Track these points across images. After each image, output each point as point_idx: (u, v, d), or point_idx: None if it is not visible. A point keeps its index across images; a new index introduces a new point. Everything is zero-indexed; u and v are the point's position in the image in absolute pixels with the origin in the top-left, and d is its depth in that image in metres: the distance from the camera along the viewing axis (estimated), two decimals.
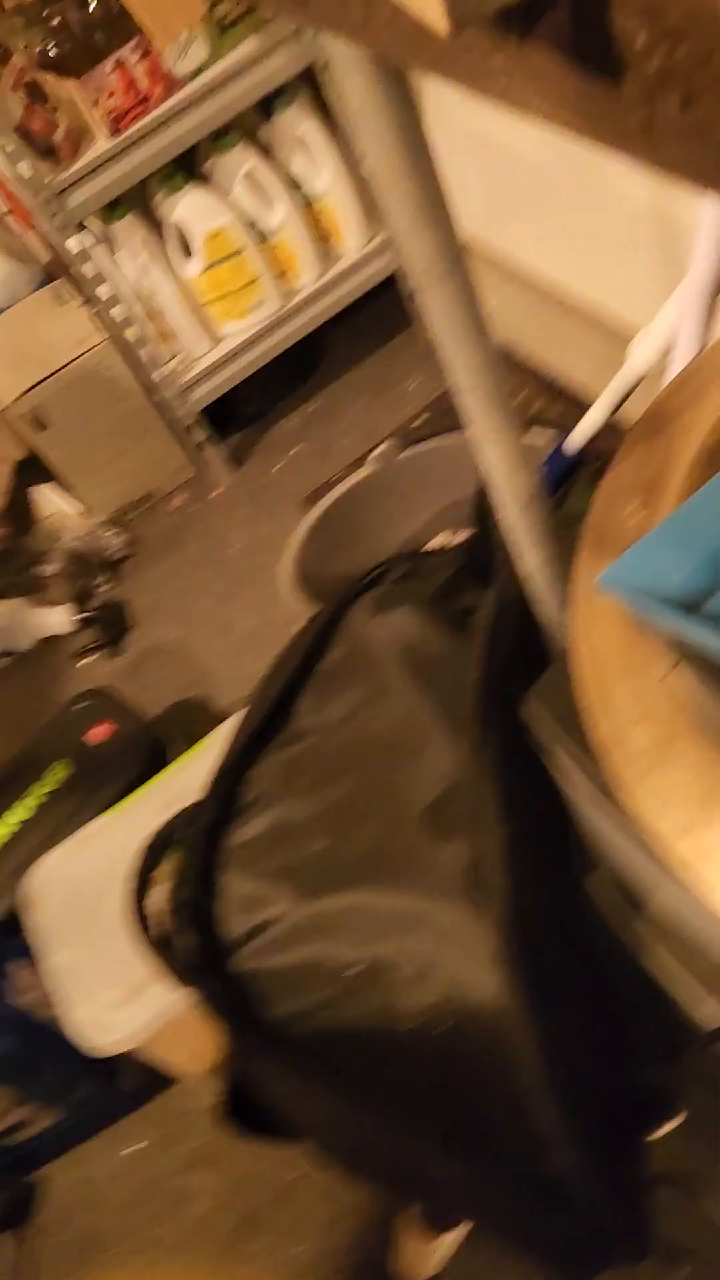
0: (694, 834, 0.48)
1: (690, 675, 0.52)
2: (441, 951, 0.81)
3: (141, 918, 0.96)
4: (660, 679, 0.52)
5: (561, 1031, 0.72)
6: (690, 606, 0.49)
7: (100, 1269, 1.18)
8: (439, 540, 1.37)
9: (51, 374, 1.69)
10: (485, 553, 1.12)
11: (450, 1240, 1.05)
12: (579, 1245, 0.71)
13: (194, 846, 0.95)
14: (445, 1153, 0.71)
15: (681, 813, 0.48)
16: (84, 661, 1.77)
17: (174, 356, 1.79)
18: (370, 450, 1.41)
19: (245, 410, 2.00)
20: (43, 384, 1.69)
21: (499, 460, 0.56)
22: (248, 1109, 0.93)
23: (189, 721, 1.58)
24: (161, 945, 0.93)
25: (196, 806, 0.98)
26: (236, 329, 1.76)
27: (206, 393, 1.79)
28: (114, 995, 1.00)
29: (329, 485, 1.46)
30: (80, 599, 1.82)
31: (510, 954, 0.72)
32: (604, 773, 0.53)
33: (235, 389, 1.83)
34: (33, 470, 2.05)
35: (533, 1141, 0.72)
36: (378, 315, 2.02)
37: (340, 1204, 1.12)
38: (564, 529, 0.71)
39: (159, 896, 0.97)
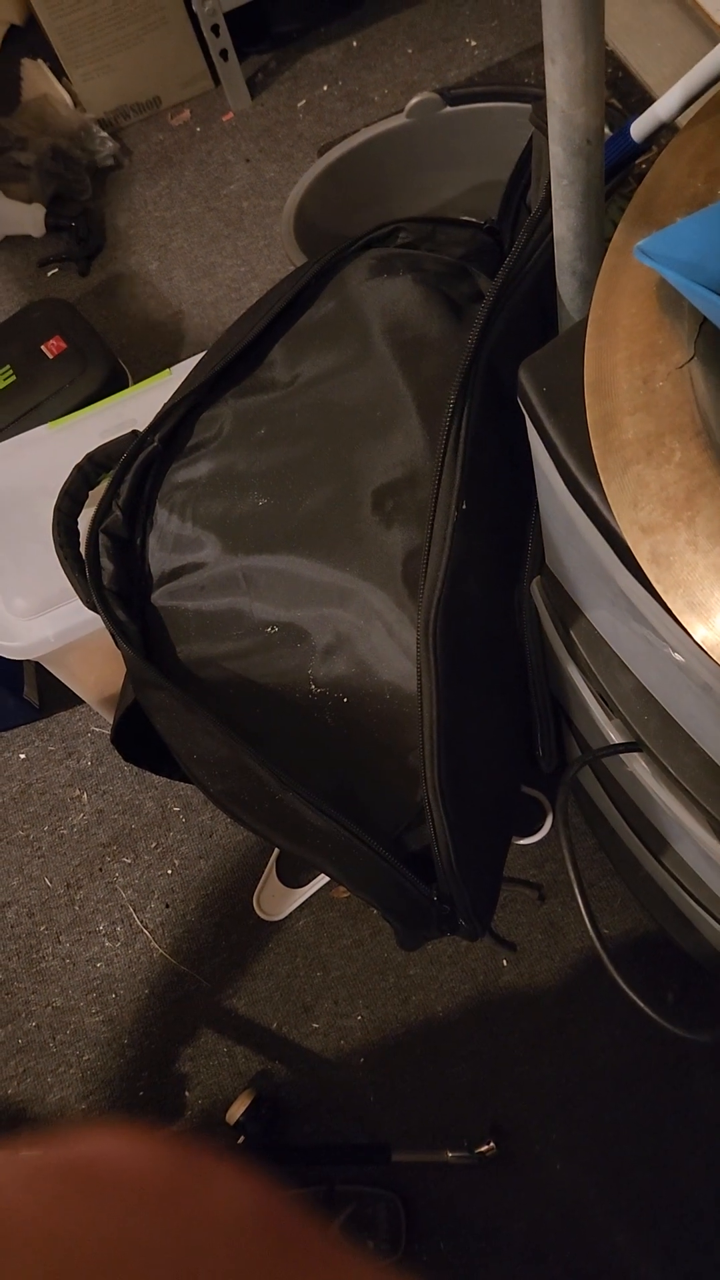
0: (660, 534, 0.45)
1: (701, 375, 0.47)
2: (361, 629, 0.80)
3: (68, 535, 0.93)
4: (669, 372, 0.48)
5: (460, 724, 0.72)
6: None
7: None
8: None
9: None
10: (508, 239, 1.03)
11: (304, 892, 1.13)
12: (425, 910, 0.75)
13: (130, 473, 0.91)
14: (324, 809, 0.74)
15: (655, 512, 0.45)
16: (50, 272, 1.64)
17: None
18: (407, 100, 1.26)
19: (278, 28, 1.75)
20: None
21: (570, 73, 0.48)
22: (139, 740, 0.95)
23: (151, 359, 1.50)
24: (82, 565, 0.90)
25: (144, 433, 0.92)
26: None
27: None
28: (26, 604, 0.98)
29: (353, 135, 1.31)
30: (57, 202, 1.66)
31: (428, 645, 0.71)
32: (582, 461, 0.50)
33: (271, 0, 1.59)
34: (27, 40, 1.81)
35: (410, 811, 0.75)
36: None
37: (210, 842, 1.19)
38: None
39: (89, 517, 0.93)
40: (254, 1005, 1.11)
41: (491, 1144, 0.98)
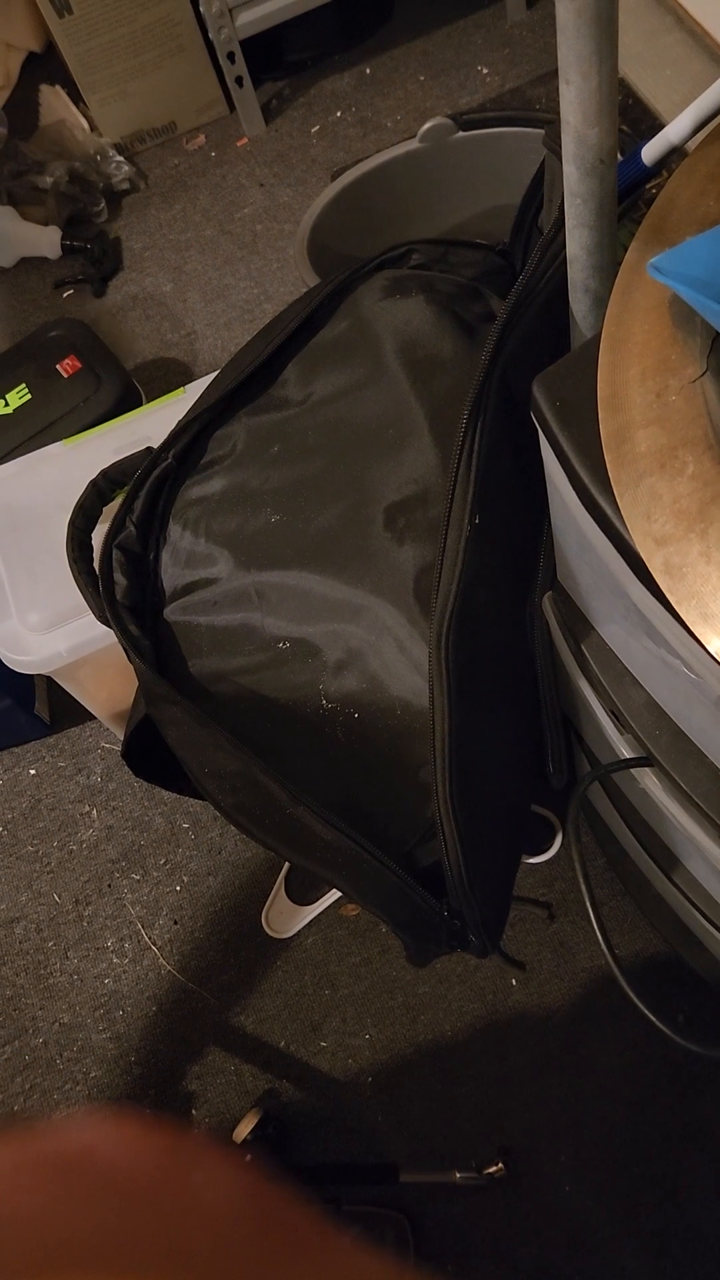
0: (673, 546, 0.45)
1: (713, 389, 0.48)
2: (372, 645, 0.80)
3: (82, 550, 0.94)
4: (682, 387, 0.48)
5: (471, 737, 0.73)
6: None
7: None
8: None
9: None
10: (519, 262, 1.04)
11: (312, 910, 1.13)
12: (435, 925, 0.75)
13: (144, 489, 0.92)
14: (334, 822, 0.74)
15: (668, 524, 0.46)
16: (66, 293, 1.65)
17: None
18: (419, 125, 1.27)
19: (292, 56, 1.78)
20: None
21: (584, 93, 0.49)
22: (149, 756, 0.95)
23: (165, 379, 1.51)
24: (95, 580, 0.91)
25: (158, 450, 0.93)
26: None
27: (255, 19, 1.58)
28: (40, 618, 0.99)
29: (366, 159, 1.32)
30: (72, 224, 1.68)
31: (440, 658, 0.71)
32: (595, 473, 0.50)
33: (286, 28, 1.62)
34: (45, 67, 1.84)
35: (421, 826, 0.75)
36: None
37: (219, 859, 1.19)
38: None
39: (103, 532, 0.94)
40: (262, 1023, 1.10)
41: (500, 1165, 0.98)
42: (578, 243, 0.58)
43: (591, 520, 0.50)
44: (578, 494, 0.51)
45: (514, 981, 1.07)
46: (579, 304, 0.64)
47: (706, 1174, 0.97)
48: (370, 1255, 0.24)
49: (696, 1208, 0.96)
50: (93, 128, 1.73)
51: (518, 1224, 0.97)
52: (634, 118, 1.54)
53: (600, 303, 0.63)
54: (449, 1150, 1.01)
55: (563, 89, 0.50)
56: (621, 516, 0.47)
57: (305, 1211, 0.23)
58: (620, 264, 0.56)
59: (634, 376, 0.49)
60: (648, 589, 0.47)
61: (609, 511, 0.48)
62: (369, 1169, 1.01)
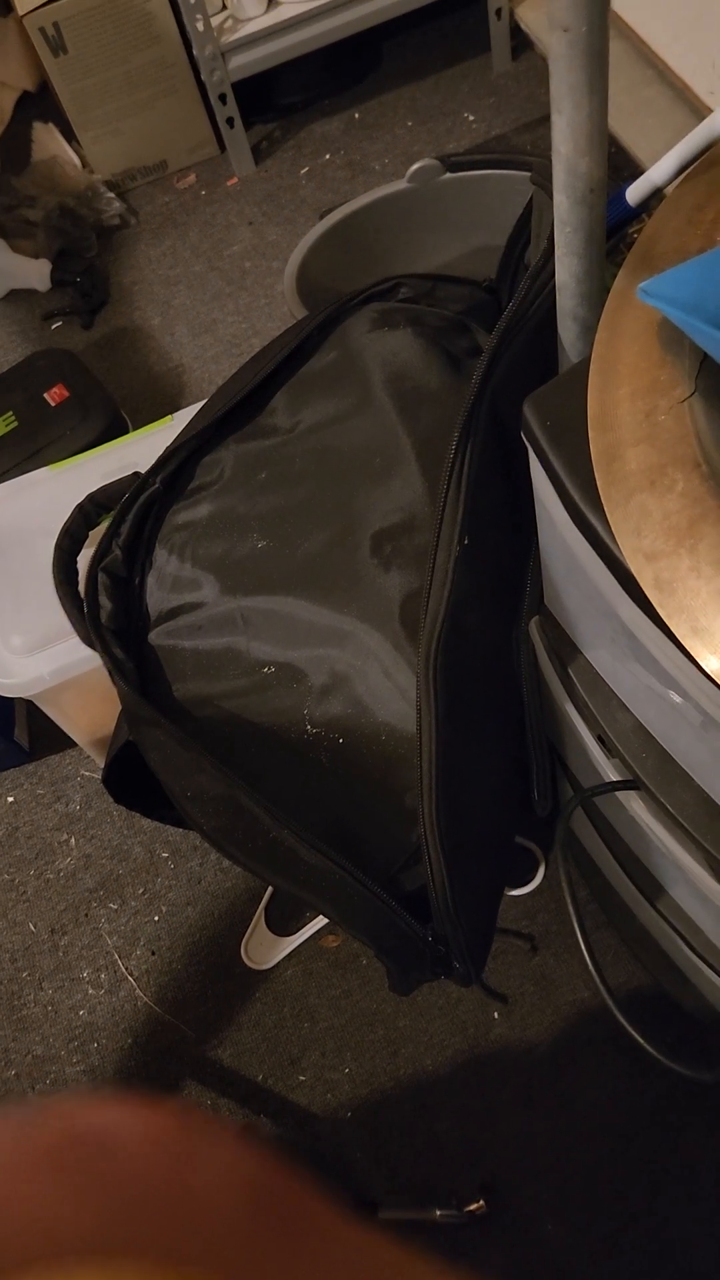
0: (663, 561, 0.46)
1: (701, 409, 0.49)
2: (358, 670, 0.80)
3: (67, 573, 0.94)
4: (671, 407, 0.49)
5: (458, 760, 0.73)
6: None
7: None
8: None
9: None
10: (506, 297, 1.06)
11: (292, 941, 1.12)
12: (420, 951, 0.75)
13: (131, 514, 0.92)
14: (318, 846, 0.73)
15: (657, 539, 0.46)
16: (55, 325, 1.67)
17: (223, 9, 1.59)
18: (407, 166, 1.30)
19: (282, 100, 1.82)
20: None
21: (575, 123, 0.50)
22: (130, 783, 0.95)
23: (151, 410, 1.52)
24: (80, 604, 0.91)
25: (145, 475, 0.94)
26: None
27: (247, 63, 1.61)
28: (23, 642, 0.98)
29: (356, 198, 1.35)
30: (62, 258, 1.69)
31: (428, 678, 0.71)
32: (586, 491, 0.51)
33: (278, 72, 1.65)
34: (39, 105, 1.87)
35: (405, 851, 0.74)
36: (453, 31, 1.83)
37: (199, 889, 1.18)
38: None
39: (89, 556, 0.94)
40: (240, 1056, 1.08)
41: (481, 1202, 0.96)
42: (567, 270, 0.60)
43: (582, 538, 0.51)
44: (568, 511, 0.51)
45: (496, 1015, 1.06)
46: (567, 331, 0.65)
47: (691, 1213, 0.96)
48: (383, 1243, 0.24)
49: (681, 1247, 0.94)
50: (85, 164, 1.75)
51: (500, 1263, 0.96)
52: (617, 164, 1.58)
53: (588, 330, 0.64)
54: (429, 1187, 0.99)
55: (555, 119, 0.51)
56: (612, 532, 0.48)
57: (320, 1199, 0.23)
58: (608, 291, 0.57)
59: (624, 396, 0.50)
60: (637, 605, 0.48)
61: (599, 528, 0.49)
62: (348, 1206, 0.99)
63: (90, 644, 0.89)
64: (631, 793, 0.67)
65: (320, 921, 1.12)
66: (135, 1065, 1.10)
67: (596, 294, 0.61)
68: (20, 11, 1.54)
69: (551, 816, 0.91)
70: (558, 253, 0.59)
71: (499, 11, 1.68)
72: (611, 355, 0.52)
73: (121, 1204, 0.21)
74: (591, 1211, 0.97)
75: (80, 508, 0.97)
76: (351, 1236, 0.23)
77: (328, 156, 1.76)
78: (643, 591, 0.46)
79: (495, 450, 0.76)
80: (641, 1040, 0.63)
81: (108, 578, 0.90)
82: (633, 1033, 0.63)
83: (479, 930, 0.82)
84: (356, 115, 1.80)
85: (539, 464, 0.53)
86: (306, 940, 1.12)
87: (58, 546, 0.94)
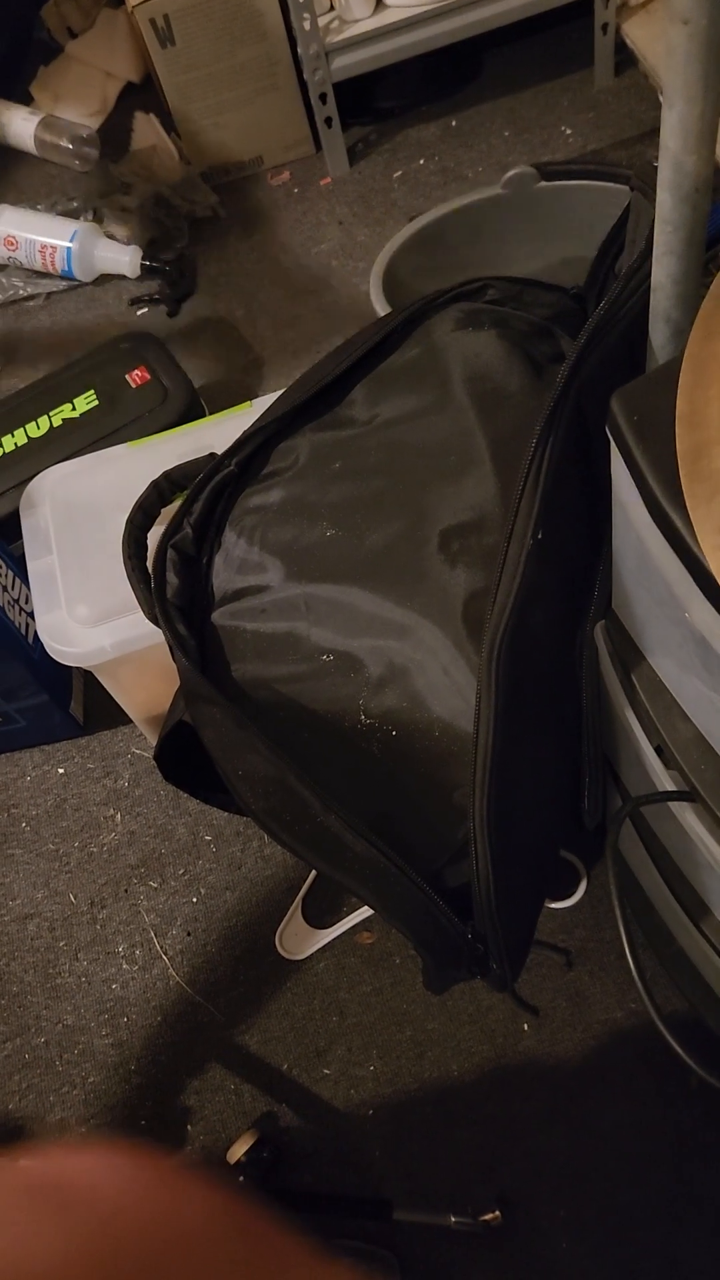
0: None
1: None
2: (416, 664, 0.80)
3: (138, 547, 0.95)
4: None
5: (512, 759, 0.72)
6: None
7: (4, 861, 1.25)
8: None
9: None
10: (593, 306, 1.05)
11: (327, 934, 1.12)
12: (458, 948, 0.74)
13: (204, 493, 0.93)
14: (365, 834, 0.73)
15: None
16: (141, 311, 1.69)
17: (330, 9, 1.61)
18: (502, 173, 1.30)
19: (381, 103, 1.83)
20: None
21: (687, 119, 0.50)
22: (180, 761, 0.96)
23: (229, 399, 1.53)
24: (147, 579, 0.92)
25: (221, 456, 0.95)
26: (405, 1, 1.58)
27: (350, 64, 1.62)
28: (88, 612, 1.00)
29: (448, 201, 1.35)
30: (153, 246, 1.72)
31: (490, 670, 0.71)
32: (668, 488, 0.50)
33: (378, 75, 1.67)
34: (140, 96, 1.90)
35: (451, 847, 0.74)
36: (556, 44, 1.83)
37: (238, 874, 1.18)
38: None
39: (159, 533, 0.95)
40: (266, 1044, 1.09)
41: (497, 1213, 0.95)
42: (664, 270, 0.59)
43: (659, 535, 0.50)
44: (648, 508, 0.51)
45: (526, 1026, 1.05)
46: (658, 333, 0.64)
47: (711, 1247, 0.94)
48: (349, 1274, 0.24)
49: None
50: (182, 156, 1.78)
51: (511, 1276, 0.94)
52: None
53: (680, 333, 0.64)
54: (446, 1192, 0.98)
55: (665, 114, 0.51)
56: (693, 530, 0.47)
57: (294, 1239, 0.23)
58: (705, 294, 0.56)
59: (715, 396, 0.49)
60: (713, 605, 0.47)
61: (680, 525, 0.48)
62: (362, 1202, 0.98)
63: (154, 619, 0.90)
64: (686, 805, 0.66)
65: (356, 917, 1.12)
66: (162, 1043, 1.10)
67: (692, 296, 0.60)
68: (132, 3, 1.57)
69: (597, 830, 0.90)
70: (656, 252, 0.59)
71: (605, 26, 1.68)
72: (705, 354, 0.51)
73: (101, 1245, 0.21)
74: (607, 1237, 0.95)
75: (155, 484, 0.98)
76: (321, 1270, 0.23)
77: (421, 162, 1.77)
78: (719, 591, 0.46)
79: (575, 450, 0.75)
80: (687, 1057, 0.62)
81: (176, 555, 0.91)
82: (671, 1040, 0.63)
83: (518, 934, 0.81)
84: (453, 123, 1.80)
85: (621, 459, 0.53)
86: (341, 935, 1.12)
87: (130, 520, 0.96)
